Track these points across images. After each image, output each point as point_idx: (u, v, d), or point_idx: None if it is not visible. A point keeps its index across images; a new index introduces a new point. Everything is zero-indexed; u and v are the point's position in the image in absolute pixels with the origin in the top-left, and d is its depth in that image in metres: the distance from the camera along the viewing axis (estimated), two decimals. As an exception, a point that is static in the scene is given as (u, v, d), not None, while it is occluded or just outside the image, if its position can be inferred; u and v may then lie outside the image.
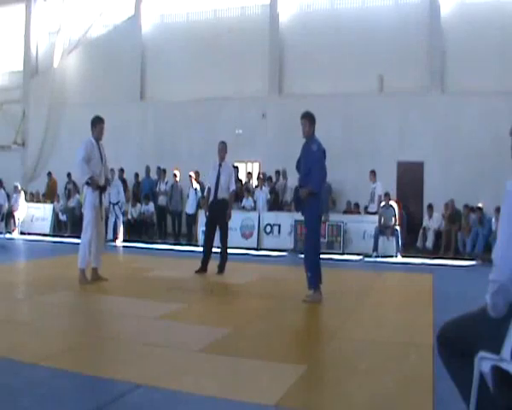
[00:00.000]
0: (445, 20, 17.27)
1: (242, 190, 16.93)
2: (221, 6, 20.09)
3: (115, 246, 15.52)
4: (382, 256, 14.20)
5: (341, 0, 18.64)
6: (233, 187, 10.54)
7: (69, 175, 20.38)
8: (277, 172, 17.71)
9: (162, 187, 18.29)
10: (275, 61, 19.20)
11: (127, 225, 17.76)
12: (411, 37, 17.38)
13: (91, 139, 8.82)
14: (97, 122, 8.93)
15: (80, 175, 8.69)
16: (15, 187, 18.92)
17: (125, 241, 16.28)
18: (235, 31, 19.46)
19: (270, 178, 17.70)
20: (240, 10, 19.98)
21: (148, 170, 19.29)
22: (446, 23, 17.25)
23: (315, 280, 7.51)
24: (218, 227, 10.54)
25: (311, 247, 7.68)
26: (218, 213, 10.29)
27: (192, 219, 16.98)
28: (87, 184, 8.59)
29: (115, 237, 16.03)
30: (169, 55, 20.39)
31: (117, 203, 15.95)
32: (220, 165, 10.43)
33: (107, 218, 15.33)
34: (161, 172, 18.63)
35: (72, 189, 19.63)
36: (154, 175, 19.25)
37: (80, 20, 22.25)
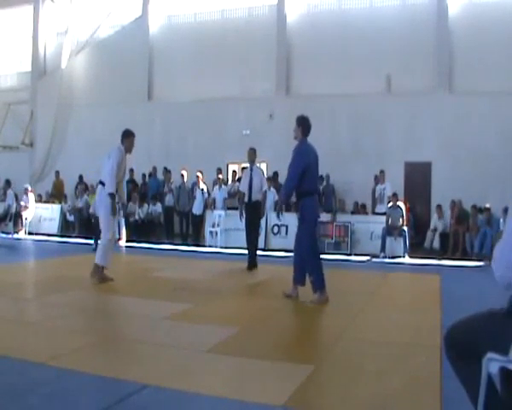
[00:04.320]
0: (453, 20, 17.23)
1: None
2: (228, 6, 20.13)
3: (120, 247, 15.52)
4: (390, 257, 14.18)
5: (349, 0, 18.62)
6: (265, 187, 11.26)
7: (81, 177, 20.49)
8: (275, 173, 17.67)
9: (169, 187, 18.31)
10: (282, 62, 19.20)
11: (134, 225, 17.80)
12: (419, 37, 17.36)
13: (122, 149, 8.96)
14: (129, 135, 9.16)
15: (108, 186, 8.72)
16: (26, 188, 18.92)
17: (132, 241, 16.30)
18: (243, 31, 19.48)
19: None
20: (247, 11, 20.00)
21: (154, 170, 19.34)
22: (454, 23, 17.21)
23: (318, 282, 7.51)
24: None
25: (308, 250, 7.69)
26: (254, 214, 10.98)
27: (199, 219, 17.02)
28: (109, 195, 8.68)
29: (119, 238, 15.97)
30: (176, 56, 20.44)
31: (117, 203, 15.93)
32: (251, 169, 11.11)
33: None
34: (167, 172, 18.68)
35: (80, 190, 19.68)
36: (160, 176, 19.29)
37: (88, 21, 22.34)
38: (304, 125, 7.96)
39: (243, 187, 11.21)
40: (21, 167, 22.39)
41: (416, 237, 16.07)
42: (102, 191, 8.82)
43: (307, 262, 7.66)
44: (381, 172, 16.12)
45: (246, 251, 11.34)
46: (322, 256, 7.95)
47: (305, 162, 7.67)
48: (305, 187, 7.61)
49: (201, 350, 5.03)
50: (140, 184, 19.80)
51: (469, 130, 16.59)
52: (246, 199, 11.03)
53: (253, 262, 11.00)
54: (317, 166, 7.90)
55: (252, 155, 11.21)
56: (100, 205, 9.00)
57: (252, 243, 11.13)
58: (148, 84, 21.16)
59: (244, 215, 11.18)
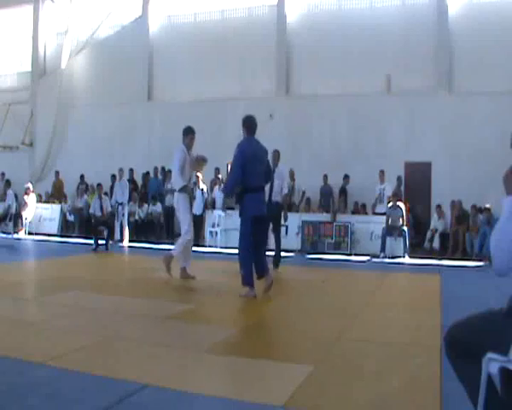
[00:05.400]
0: (453, 20, 17.23)
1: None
2: (228, 7, 20.13)
3: (122, 246, 15.57)
4: (390, 257, 14.17)
5: (349, 0, 18.62)
6: (286, 190, 11.52)
7: (82, 177, 20.50)
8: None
9: (168, 187, 18.31)
10: (282, 62, 19.20)
11: (134, 225, 17.81)
12: (419, 37, 17.36)
13: (183, 147, 9.38)
14: (188, 133, 9.55)
15: (176, 185, 9.41)
16: (27, 188, 18.89)
17: (132, 241, 16.31)
18: (243, 31, 19.48)
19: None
20: (247, 11, 19.99)
21: (155, 170, 19.35)
22: (454, 23, 17.21)
23: (247, 278, 7.77)
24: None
25: (241, 246, 7.97)
26: (273, 215, 11.04)
27: (199, 219, 16.99)
28: (180, 191, 9.23)
29: (122, 238, 16.07)
30: (176, 56, 20.44)
31: (121, 203, 16.00)
32: (274, 171, 11.20)
33: (114, 218, 15.46)
34: (166, 172, 18.69)
35: (82, 190, 19.69)
36: (161, 175, 19.31)
37: (88, 21, 22.35)
38: (247, 125, 8.16)
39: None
40: (21, 167, 22.39)
41: (415, 237, 16.06)
42: (178, 196, 9.34)
43: (239, 257, 7.94)
44: (381, 171, 16.13)
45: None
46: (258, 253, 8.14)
47: (242, 157, 7.85)
48: (246, 183, 7.82)
49: (201, 350, 5.02)
50: (140, 184, 19.81)
51: (469, 130, 16.58)
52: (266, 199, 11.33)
53: (276, 262, 11.15)
54: (261, 164, 8.05)
55: (276, 158, 11.46)
56: (177, 208, 9.58)
57: (275, 243, 11.36)
58: (148, 84, 21.16)
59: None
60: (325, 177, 17.41)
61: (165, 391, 3.93)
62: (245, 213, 7.93)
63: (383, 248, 14.39)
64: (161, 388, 3.98)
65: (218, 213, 16.42)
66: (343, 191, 17.28)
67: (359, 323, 6.49)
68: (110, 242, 14.73)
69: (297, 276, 10.99)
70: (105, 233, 14.55)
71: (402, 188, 16.74)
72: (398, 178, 16.71)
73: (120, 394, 3.82)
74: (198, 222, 17.09)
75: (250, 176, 7.84)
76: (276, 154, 11.61)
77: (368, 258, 14.14)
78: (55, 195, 20.97)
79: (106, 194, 16.29)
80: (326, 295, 8.51)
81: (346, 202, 17.15)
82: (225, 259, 13.37)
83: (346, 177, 17.27)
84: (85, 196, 19.22)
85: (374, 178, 16.30)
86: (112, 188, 17.71)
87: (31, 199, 18.83)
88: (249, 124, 8.15)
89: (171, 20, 21.14)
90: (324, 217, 15.93)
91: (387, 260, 13.89)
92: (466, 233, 14.93)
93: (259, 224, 8.05)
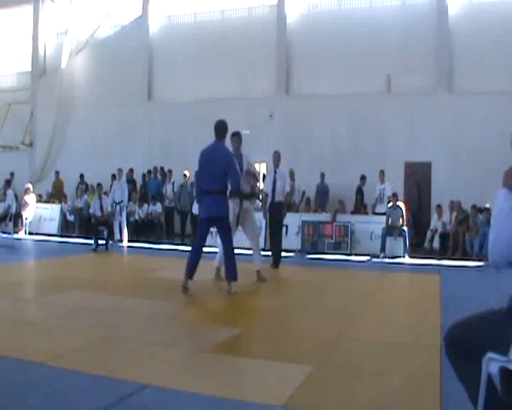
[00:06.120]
0: (453, 21, 17.23)
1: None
2: (228, 7, 20.11)
3: (122, 246, 15.56)
4: (390, 257, 14.17)
5: (349, 0, 18.62)
6: (288, 188, 12.03)
7: (82, 176, 20.50)
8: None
9: (168, 188, 18.31)
10: (282, 62, 19.20)
11: (134, 225, 17.80)
12: (419, 37, 17.35)
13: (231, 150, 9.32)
14: (233, 135, 9.56)
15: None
16: (27, 188, 18.86)
17: (132, 241, 16.30)
18: (243, 31, 19.47)
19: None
20: (247, 11, 19.99)
21: (155, 170, 19.35)
22: (454, 23, 17.21)
23: (187, 269, 8.09)
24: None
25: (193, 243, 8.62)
26: (275, 214, 11.58)
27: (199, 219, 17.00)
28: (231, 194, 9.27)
29: (122, 238, 16.04)
30: (176, 56, 20.43)
31: (119, 203, 15.92)
32: (275, 171, 11.66)
33: (114, 217, 15.45)
34: (165, 172, 18.69)
35: (82, 190, 19.68)
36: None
37: (88, 21, 22.34)
38: (215, 129, 8.61)
39: (266, 188, 11.73)
40: (21, 167, 22.39)
41: (415, 237, 16.06)
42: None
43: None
44: (381, 171, 16.13)
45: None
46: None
47: (198, 164, 8.43)
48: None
49: (201, 350, 5.03)
50: (140, 185, 19.81)
51: (469, 130, 16.58)
52: (269, 200, 11.61)
53: (276, 262, 11.36)
54: (215, 169, 8.20)
55: (276, 159, 11.66)
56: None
57: (276, 244, 11.62)
58: (148, 84, 21.15)
59: (268, 214, 11.81)
60: (322, 175, 17.38)
61: (165, 391, 3.94)
62: (201, 213, 8.51)
63: (383, 248, 14.39)
64: (161, 388, 3.99)
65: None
66: (359, 192, 17.18)
67: (359, 323, 6.48)
68: (110, 242, 14.72)
69: (297, 276, 10.99)
70: (105, 233, 14.55)
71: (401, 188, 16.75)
72: (408, 180, 16.81)
73: (120, 394, 3.83)
74: (197, 222, 17.12)
75: (202, 181, 8.29)
76: (277, 155, 11.73)
77: (368, 258, 14.13)
78: (55, 195, 20.97)
79: (106, 194, 16.26)
80: (326, 295, 8.51)
81: (362, 201, 17.03)
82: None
83: (363, 178, 17.07)
84: (85, 196, 19.21)
85: (374, 178, 16.30)
86: (111, 188, 17.70)
87: (31, 199, 18.81)
88: (217, 128, 8.57)
89: (171, 20, 21.14)
90: (324, 217, 15.92)
91: (387, 260, 13.88)
92: (466, 233, 14.91)
93: (216, 226, 8.51)
